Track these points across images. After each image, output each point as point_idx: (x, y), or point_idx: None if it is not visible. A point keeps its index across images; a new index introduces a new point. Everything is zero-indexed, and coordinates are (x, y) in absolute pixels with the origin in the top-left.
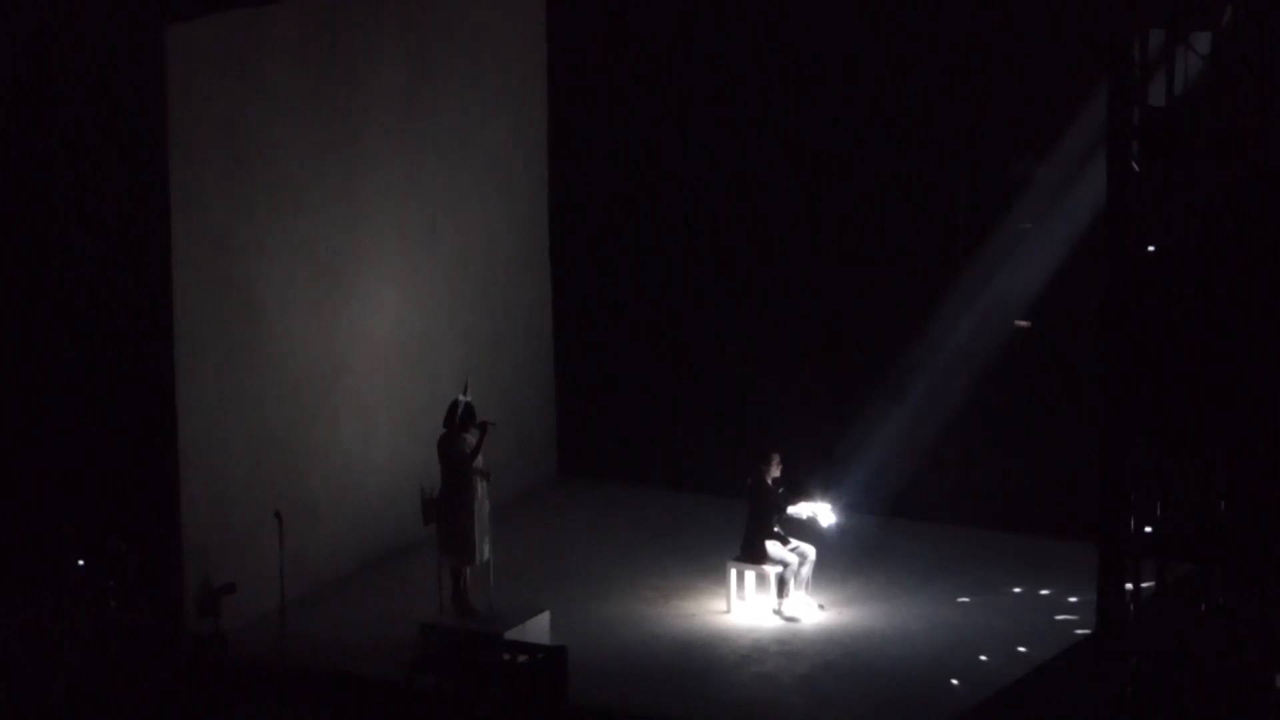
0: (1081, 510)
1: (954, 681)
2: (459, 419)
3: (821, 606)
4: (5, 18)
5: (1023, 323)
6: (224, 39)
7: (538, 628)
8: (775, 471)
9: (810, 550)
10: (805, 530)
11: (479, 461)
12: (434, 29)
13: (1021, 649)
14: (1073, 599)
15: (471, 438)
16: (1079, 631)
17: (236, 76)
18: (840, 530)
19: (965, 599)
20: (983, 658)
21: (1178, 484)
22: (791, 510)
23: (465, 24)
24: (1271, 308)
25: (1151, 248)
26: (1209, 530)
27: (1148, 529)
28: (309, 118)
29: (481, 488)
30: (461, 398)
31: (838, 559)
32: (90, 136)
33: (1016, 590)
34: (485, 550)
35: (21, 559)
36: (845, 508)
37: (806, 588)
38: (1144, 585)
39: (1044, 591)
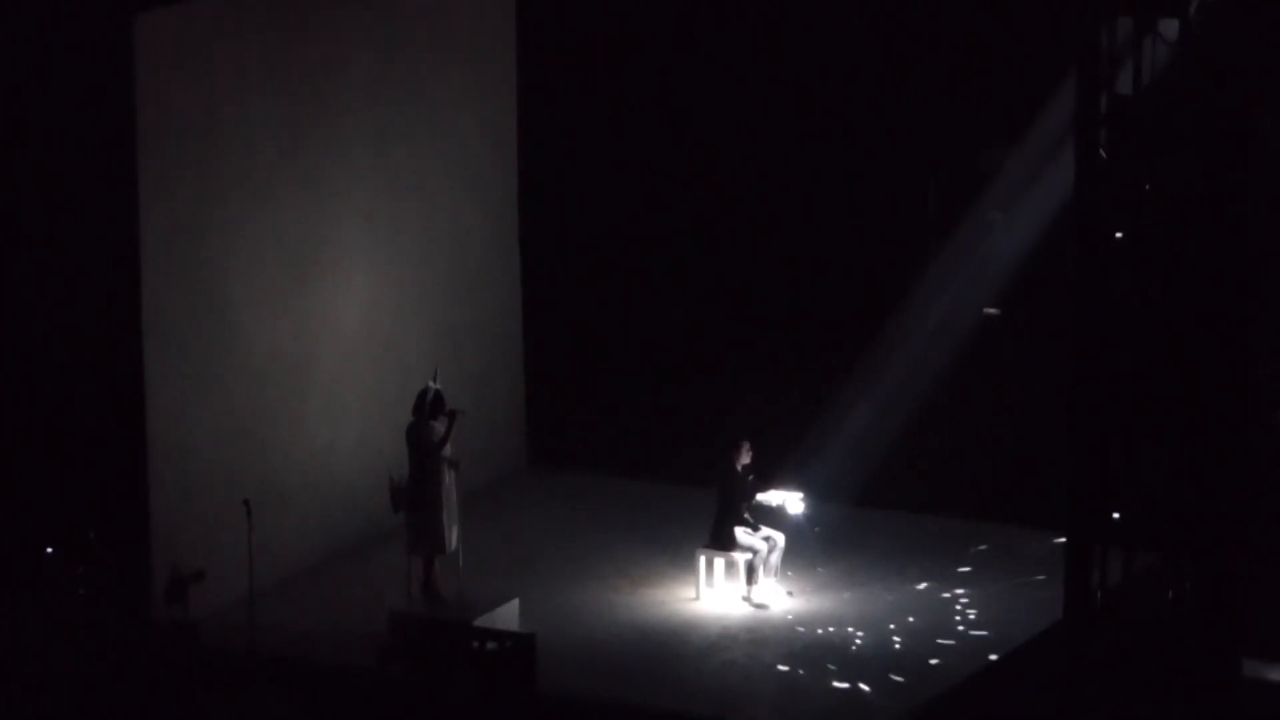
0: (1050, 498)
1: (933, 661)
2: (428, 407)
3: (790, 593)
4: None
5: (992, 311)
6: (193, 28)
7: (507, 615)
8: (745, 459)
9: (779, 537)
10: (774, 518)
11: (448, 450)
12: (403, 19)
13: (989, 636)
14: (1040, 587)
15: (440, 426)
16: (1047, 619)
17: (205, 66)
18: (809, 518)
19: (934, 589)
20: (968, 642)
21: (1146, 472)
22: (760, 498)
23: (434, 14)
24: (1239, 294)
25: (1119, 235)
26: (1176, 518)
27: (1115, 516)
28: (278, 107)
29: (450, 476)
30: (431, 385)
31: (806, 546)
32: (59, 125)
33: (984, 579)
34: (454, 538)
35: None
36: (814, 495)
37: (775, 575)
38: (1111, 573)
39: (1012, 579)
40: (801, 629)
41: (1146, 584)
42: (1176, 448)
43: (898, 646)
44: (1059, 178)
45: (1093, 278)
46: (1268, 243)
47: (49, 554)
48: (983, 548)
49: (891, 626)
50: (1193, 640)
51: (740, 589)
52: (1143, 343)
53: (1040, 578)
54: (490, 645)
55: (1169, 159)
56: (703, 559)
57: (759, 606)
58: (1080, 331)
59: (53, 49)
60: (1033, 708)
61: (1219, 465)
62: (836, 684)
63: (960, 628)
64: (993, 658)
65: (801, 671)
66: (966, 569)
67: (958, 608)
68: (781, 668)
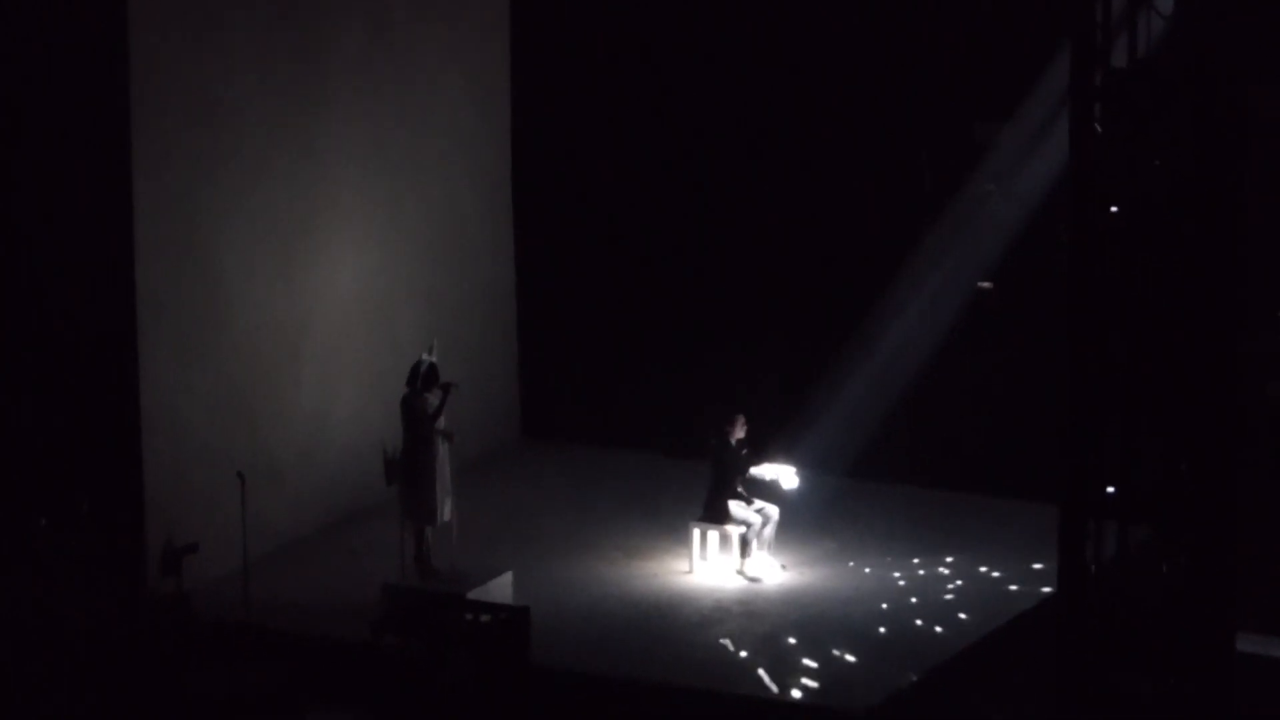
0: (1044, 472)
1: (926, 634)
2: (422, 379)
3: (784, 567)
4: None
5: (985, 284)
6: (185, 3)
7: (500, 588)
8: (739, 433)
9: (773, 511)
10: (768, 491)
11: (441, 422)
12: None
13: (982, 610)
14: (1035, 561)
15: (434, 398)
16: (1041, 592)
17: (199, 40)
18: (802, 492)
19: (927, 562)
20: (962, 615)
21: (1140, 446)
22: (754, 471)
23: None
24: (1232, 268)
25: (1113, 209)
26: (1170, 492)
27: (1109, 490)
28: (272, 81)
29: (444, 448)
30: (425, 357)
31: (800, 520)
32: (52, 100)
33: (978, 552)
34: (448, 511)
35: None
36: (808, 469)
37: (769, 548)
38: (1105, 548)
39: (1006, 553)
40: (795, 602)
41: (1141, 558)
42: (1170, 421)
43: (891, 620)
44: (1053, 151)
45: (1086, 251)
46: (1262, 215)
47: (42, 525)
48: (976, 520)
49: (884, 600)
50: (1187, 614)
51: (734, 562)
52: (1137, 317)
53: (1034, 552)
54: (484, 618)
55: (1163, 132)
56: (697, 532)
57: (753, 580)
58: (1074, 305)
59: (46, 27)
60: (1027, 681)
61: (1212, 438)
62: (830, 656)
63: (953, 601)
64: (986, 631)
65: (795, 643)
66: (960, 543)
67: (950, 581)
68: (775, 641)
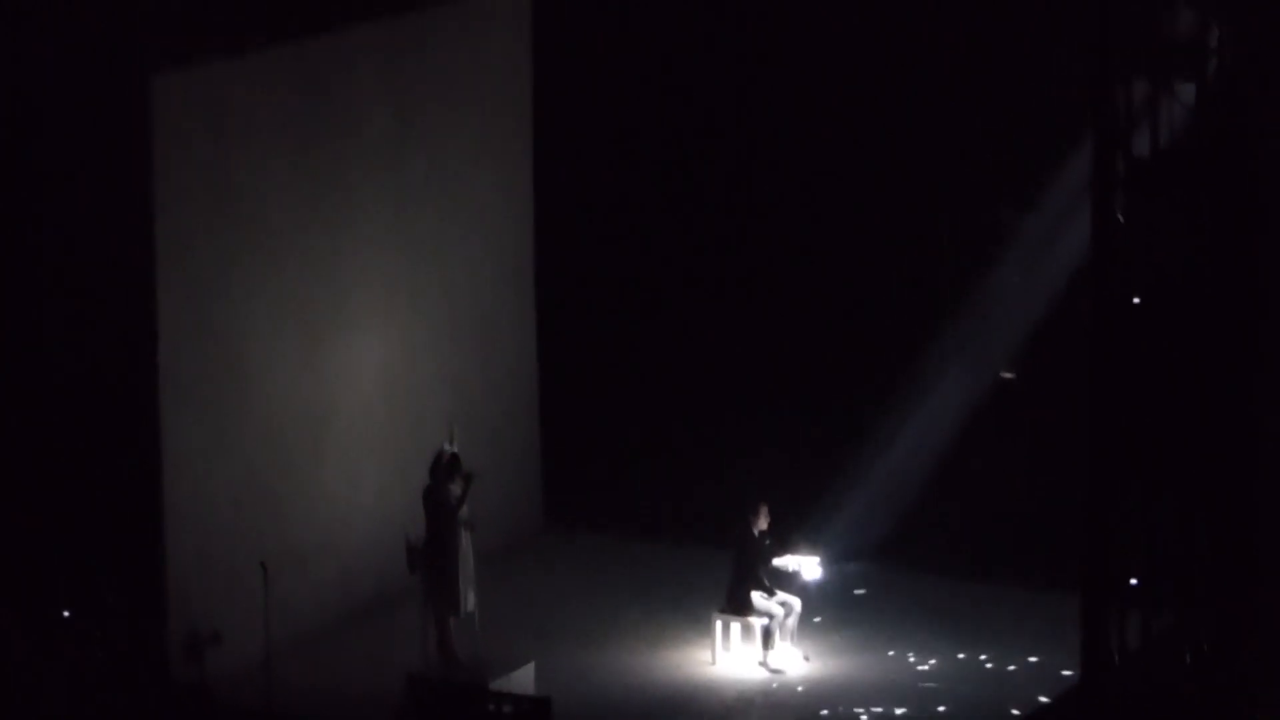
0: (1066, 561)
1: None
2: (444, 469)
3: (807, 658)
4: None
5: (1007, 374)
6: (210, 89)
7: (523, 678)
8: (762, 523)
9: (795, 602)
10: (791, 582)
11: (464, 511)
12: (419, 79)
13: (1006, 701)
14: (1057, 650)
15: (457, 488)
16: (1064, 682)
17: (222, 126)
18: (825, 582)
19: (950, 652)
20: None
21: (1164, 536)
22: (777, 562)
23: (450, 74)
24: (1253, 359)
25: (1136, 299)
26: (1192, 580)
27: (1132, 580)
28: (294, 167)
29: (467, 538)
30: (447, 447)
31: (823, 610)
32: (76, 185)
33: (1001, 642)
34: (470, 600)
35: (7, 609)
36: (831, 560)
37: (792, 639)
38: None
39: (1029, 643)
40: (818, 694)
41: (1163, 646)
42: (1193, 510)
43: (914, 712)
44: (1075, 239)
45: (1108, 340)
46: None
47: (66, 616)
48: (999, 610)
49: (907, 691)
50: (1211, 704)
51: (756, 653)
52: (1159, 406)
53: (1057, 641)
54: (506, 708)
55: (1185, 221)
56: (719, 623)
57: (775, 671)
58: (1096, 394)
59: (71, 110)
60: None
61: (1235, 528)
62: None
63: (976, 692)
64: None
65: None
66: (983, 632)
67: (973, 671)
68: None
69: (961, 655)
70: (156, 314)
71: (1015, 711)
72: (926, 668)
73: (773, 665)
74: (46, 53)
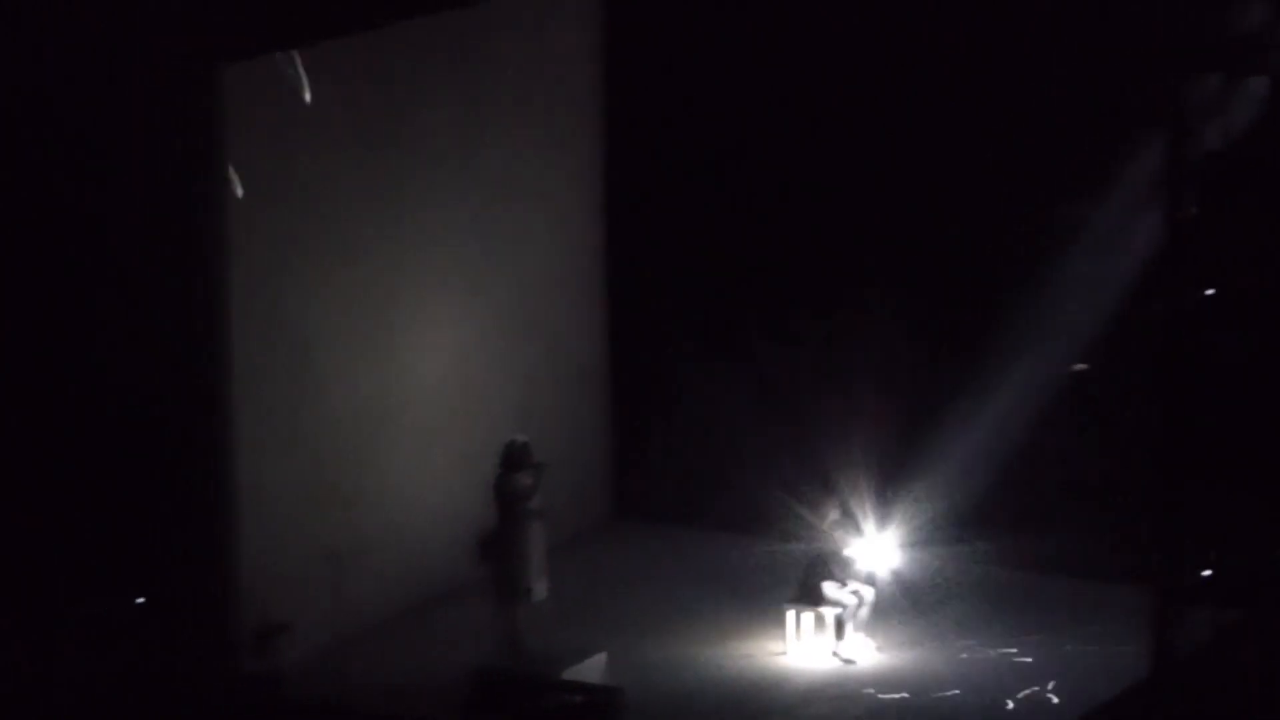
0: (1137, 555)
1: (1031, 714)
2: (514, 459)
3: (879, 648)
4: (62, 60)
5: (1080, 366)
6: (279, 80)
7: (593, 668)
8: (834, 513)
9: (868, 592)
10: (862, 572)
11: (534, 502)
12: (487, 66)
13: (1072, 695)
14: (1127, 645)
15: (527, 478)
16: (1132, 678)
17: (290, 117)
18: (897, 573)
19: (1021, 644)
20: (1054, 699)
21: (1234, 530)
22: (848, 552)
23: (519, 60)
24: None
25: (1209, 291)
26: (1263, 576)
27: (1203, 574)
28: (363, 158)
29: (536, 528)
30: (517, 438)
31: (895, 601)
32: (145, 177)
33: (1071, 634)
34: (540, 590)
35: (77, 601)
36: (903, 550)
37: (864, 629)
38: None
39: (1098, 636)
40: (890, 684)
41: (1231, 644)
42: (1265, 504)
43: (984, 703)
44: (1148, 234)
45: (1180, 333)
46: None
47: (136, 605)
48: (1070, 603)
49: (979, 683)
50: (1277, 699)
51: (829, 644)
52: (1229, 398)
53: (1126, 636)
54: (577, 699)
55: (1257, 214)
56: (791, 613)
57: (847, 661)
58: (1169, 388)
59: (138, 103)
60: None
61: None
62: None
63: (1045, 684)
64: (1078, 717)
65: None
66: (1054, 624)
67: (1043, 664)
68: None
69: (1031, 647)
70: (227, 307)
71: (1084, 704)
72: (997, 659)
73: (845, 655)
74: (116, 45)
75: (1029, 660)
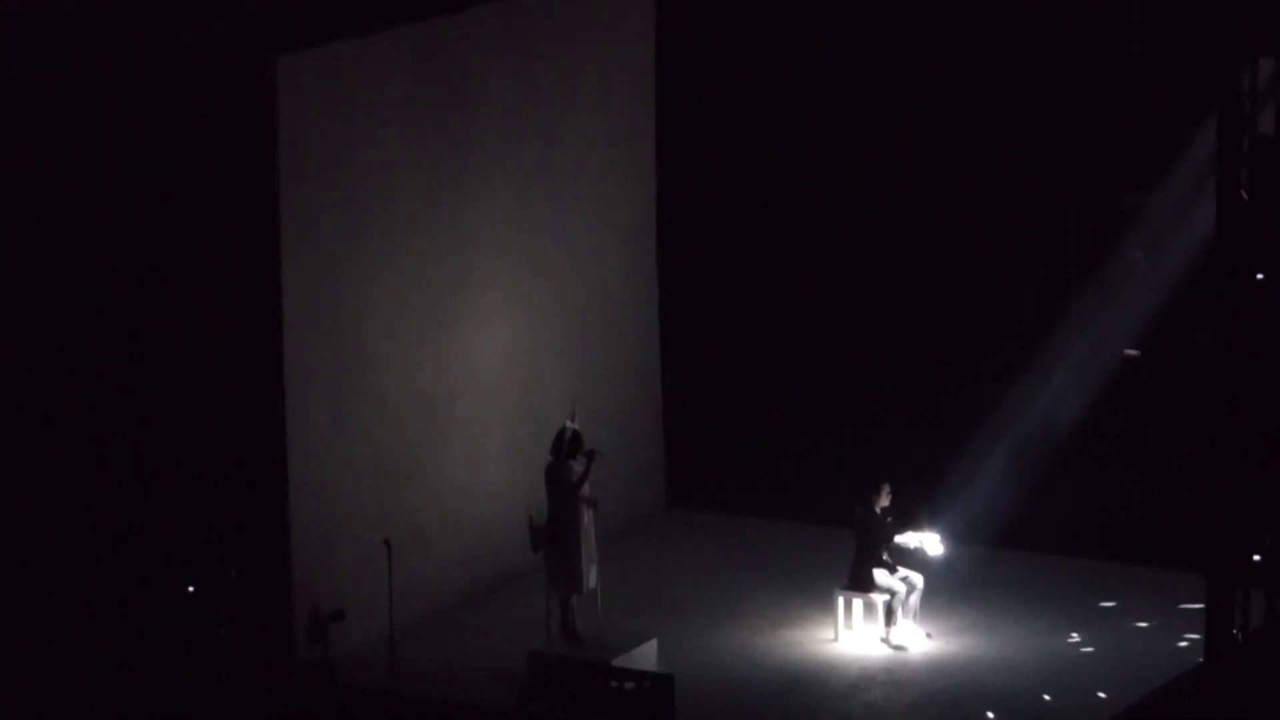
0: (1191, 540)
1: (1083, 699)
2: (566, 446)
3: (929, 635)
4: (119, 52)
5: (1132, 351)
6: (333, 69)
7: (645, 655)
8: (884, 501)
9: (918, 579)
10: (913, 559)
11: (586, 489)
12: (542, 57)
13: (1127, 680)
14: (1182, 630)
15: (579, 465)
16: (1187, 663)
17: (346, 106)
18: (948, 560)
19: (1073, 631)
20: (1100, 694)
21: None
22: (899, 539)
23: (573, 51)
24: None
25: (1261, 276)
26: None
27: (1256, 558)
28: (417, 146)
29: (589, 516)
30: (569, 425)
31: (945, 588)
32: (201, 166)
33: (1124, 621)
34: (593, 578)
35: (134, 587)
36: (953, 537)
37: (914, 617)
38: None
39: (1152, 622)
40: (941, 671)
41: None
42: None
43: (1036, 689)
44: (1201, 218)
45: (1234, 318)
46: None
47: (191, 593)
48: (1122, 589)
49: (1029, 670)
50: None
51: (879, 630)
52: None
53: (1181, 621)
54: (629, 685)
55: None
56: (841, 600)
57: (897, 648)
58: (1221, 372)
59: (197, 92)
60: None
61: None
62: None
63: (1098, 671)
64: (1131, 703)
65: (939, 714)
66: (1106, 610)
67: (1095, 651)
68: (921, 710)
69: (1084, 634)
70: (281, 295)
71: (1138, 690)
72: (1049, 645)
73: (895, 642)
74: (171, 35)
75: (1081, 646)
